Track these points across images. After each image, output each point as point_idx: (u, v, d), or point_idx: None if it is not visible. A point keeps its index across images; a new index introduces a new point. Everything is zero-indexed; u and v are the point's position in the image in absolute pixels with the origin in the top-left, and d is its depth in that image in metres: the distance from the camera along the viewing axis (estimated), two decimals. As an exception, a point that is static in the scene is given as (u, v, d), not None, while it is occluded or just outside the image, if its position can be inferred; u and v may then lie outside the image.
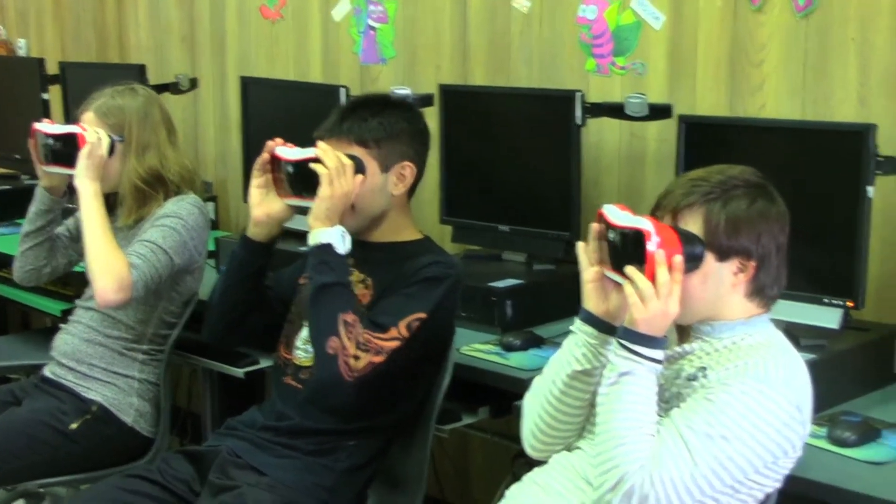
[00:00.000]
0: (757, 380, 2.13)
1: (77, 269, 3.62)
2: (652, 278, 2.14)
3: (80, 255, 3.55)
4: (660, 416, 2.17)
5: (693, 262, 2.19)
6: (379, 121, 2.85)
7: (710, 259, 2.21)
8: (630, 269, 2.17)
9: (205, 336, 3.08)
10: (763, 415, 2.12)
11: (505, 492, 2.44)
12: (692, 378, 2.21)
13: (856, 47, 3.09)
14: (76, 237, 3.55)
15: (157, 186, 3.41)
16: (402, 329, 2.72)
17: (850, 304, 2.81)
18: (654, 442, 2.11)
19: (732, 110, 3.35)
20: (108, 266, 3.18)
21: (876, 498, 2.31)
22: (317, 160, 2.76)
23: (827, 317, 2.83)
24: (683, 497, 2.10)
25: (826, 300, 2.83)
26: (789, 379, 2.17)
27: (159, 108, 3.51)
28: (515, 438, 2.51)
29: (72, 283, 3.80)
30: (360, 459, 2.85)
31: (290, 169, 2.83)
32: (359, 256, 2.83)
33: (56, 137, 3.37)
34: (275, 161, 2.87)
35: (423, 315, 2.74)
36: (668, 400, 2.22)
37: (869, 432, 2.57)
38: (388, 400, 2.83)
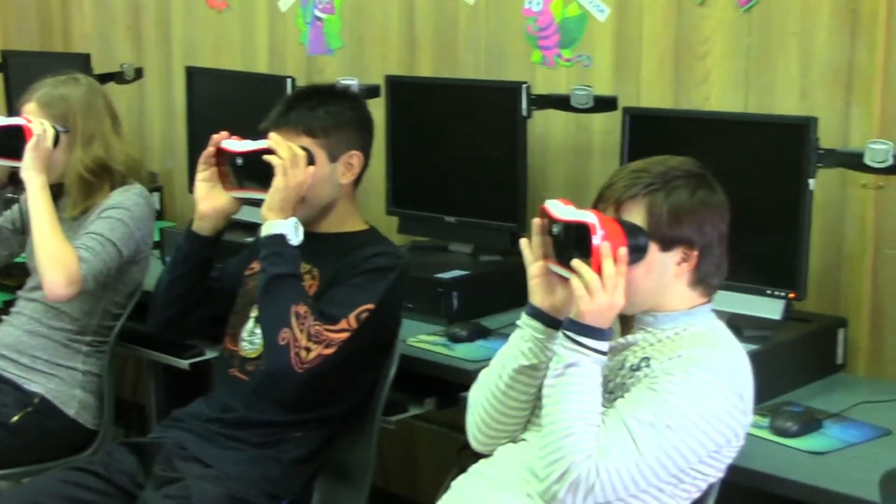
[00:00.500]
0: (700, 369, 2.15)
1: (18, 259, 3.58)
2: (598, 271, 2.14)
3: (21, 246, 3.52)
4: (604, 406, 2.18)
5: (637, 254, 2.19)
6: (326, 110, 2.84)
7: (653, 249, 2.22)
8: (577, 262, 2.17)
9: (150, 328, 3.07)
10: (706, 403, 2.13)
11: (451, 483, 2.44)
12: (636, 368, 2.22)
13: (798, 41, 3.11)
14: (19, 229, 3.51)
15: (103, 176, 3.37)
16: (351, 321, 2.72)
17: (792, 295, 2.82)
18: (599, 432, 2.12)
19: (677, 103, 3.36)
20: (58, 260, 3.14)
21: (817, 487, 2.33)
22: (269, 151, 2.75)
23: (770, 308, 2.84)
24: (629, 486, 2.11)
25: (769, 291, 2.84)
26: (731, 368, 2.18)
27: (102, 97, 3.48)
28: (462, 430, 2.51)
29: (14, 274, 3.75)
30: (306, 451, 2.84)
31: (239, 161, 2.81)
32: (305, 247, 2.81)
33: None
34: (221, 154, 2.85)
35: (371, 306, 2.74)
36: (612, 391, 2.23)
37: (810, 422, 2.59)
38: (334, 391, 2.82)
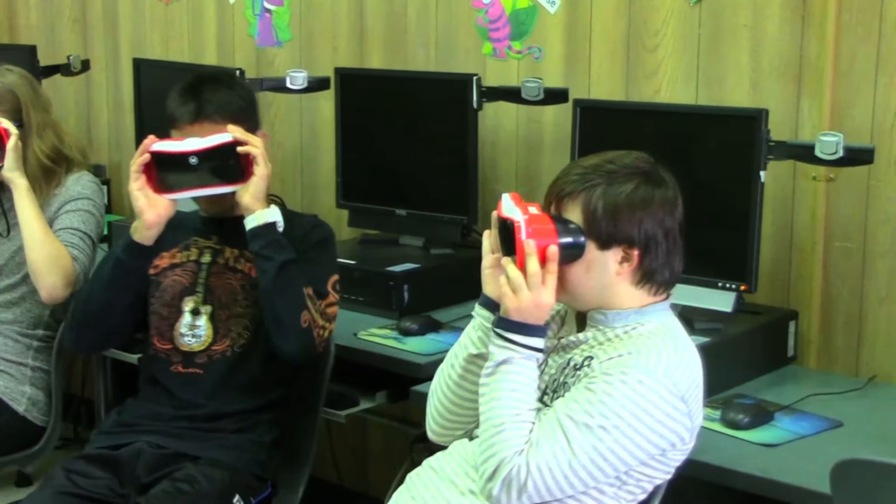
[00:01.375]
0: (637, 369, 2.10)
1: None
2: (523, 268, 2.13)
3: None
4: (547, 405, 2.16)
5: (571, 251, 2.16)
6: (237, 93, 2.85)
7: (591, 248, 2.17)
8: (504, 260, 2.17)
9: (73, 345, 2.97)
10: (643, 405, 2.08)
11: (406, 476, 2.42)
12: (578, 367, 2.19)
13: (748, 33, 3.11)
14: None
15: (60, 163, 3.35)
16: (333, 293, 2.80)
17: (743, 287, 2.82)
18: (534, 429, 2.10)
19: (628, 95, 3.35)
20: (54, 262, 3.14)
21: (769, 479, 2.33)
22: (232, 145, 2.72)
23: (721, 300, 2.84)
24: (563, 486, 2.08)
25: (720, 284, 2.84)
26: (672, 369, 2.12)
27: (40, 85, 3.47)
28: (414, 423, 2.50)
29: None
30: (278, 433, 2.87)
31: (193, 160, 2.73)
32: (226, 233, 2.85)
33: None
34: (153, 158, 2.77)
35: (337, 275, 2.85)
36: (556, 389, 2.20)
37: (762, 415, 2.59)
38: (288, 369, 2.85)
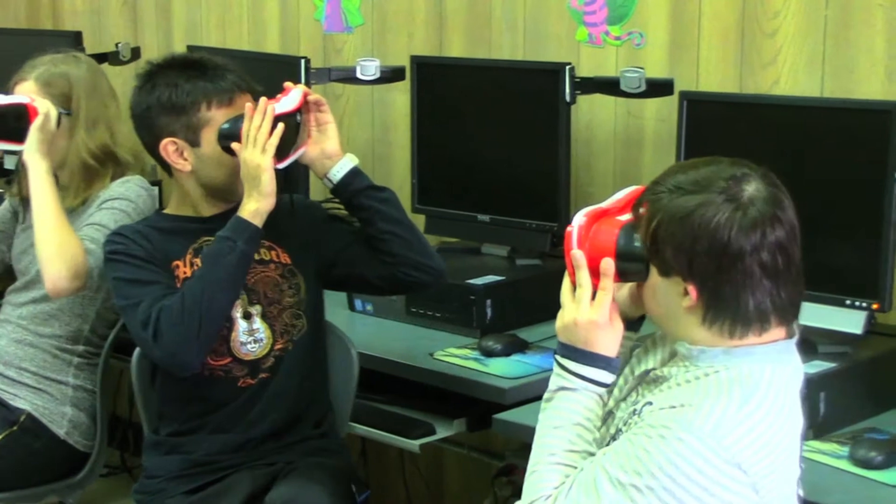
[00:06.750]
0: (680, 425, 1.96)
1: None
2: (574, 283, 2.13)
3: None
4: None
5: (630, 270, 2.10)
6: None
7: (654, 272, 2.07)
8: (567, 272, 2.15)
9: (189, 366, 2.81)
10: (683, 467, 1.95)
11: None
12: (638, 412, 2.09)
13: (883, 14, 3.06)
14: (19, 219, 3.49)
15: (106, 164, 3.37)
16: None
17: (875, 306, 2.77)
18: (572, 474, 2.06)
19: (742, 86, 3.32)
20: (63, 250, 3.13)
21: (906, 527, 2.27)
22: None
23: (849, 320, 2.79)
24: None
25: (848, 302, 2.80)
26: (725, 430, 1.95)
27: (105, 78, 3.50)
28: (496, 455, 2.46)
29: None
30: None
31: (299, 117, 2.83)
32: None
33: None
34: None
35: None
36: (614, 436, 2.12)
37: (897, 452, 2.53)
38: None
